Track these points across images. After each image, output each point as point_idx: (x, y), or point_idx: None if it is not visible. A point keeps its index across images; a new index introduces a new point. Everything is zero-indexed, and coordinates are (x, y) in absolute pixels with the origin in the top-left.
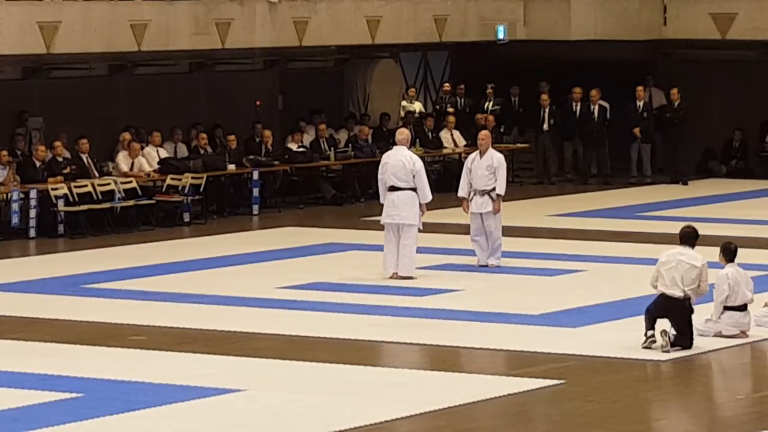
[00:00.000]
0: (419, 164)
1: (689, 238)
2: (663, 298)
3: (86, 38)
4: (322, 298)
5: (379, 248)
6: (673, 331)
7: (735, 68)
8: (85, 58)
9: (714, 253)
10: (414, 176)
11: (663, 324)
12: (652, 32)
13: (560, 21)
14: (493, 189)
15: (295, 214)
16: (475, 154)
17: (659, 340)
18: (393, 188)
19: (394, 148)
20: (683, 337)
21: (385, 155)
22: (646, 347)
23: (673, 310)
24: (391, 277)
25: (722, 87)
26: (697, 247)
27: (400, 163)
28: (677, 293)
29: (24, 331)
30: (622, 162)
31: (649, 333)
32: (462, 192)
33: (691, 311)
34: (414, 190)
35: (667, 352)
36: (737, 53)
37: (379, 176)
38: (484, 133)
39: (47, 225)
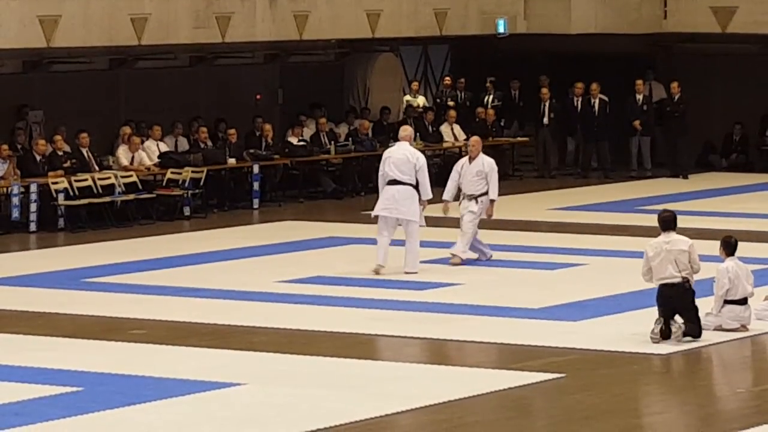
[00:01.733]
0: (422, 160)
1: (670, 222)
2: (664, 287)
3: (86, 32)
4: (323, 292)
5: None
6: (681, 322)
7: (735, 62)
8: (85, 52)
9: (714, 246)
10: (417, 171)
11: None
12: (652, 26)
13: (560, 14)
14: (483, 194)
15: (296, 208)
16: (464, 159)
17: (673, 330)
18: (394, 182)
19: (397, 144)
20: (692, 326)
21: (387, 150)
22: (655, 339)
23: (676, 297)
24: (375, 270)
25: (722, 81)
26: (697, 241)
27: (404, 157)
28: (676, 279)
29: (24, 325)
30: (623, 156)
31: (658, 325)
32: (447, 195)
33: (693, 293)
34: (414, 186)
35: (680, 341)
36: (738, 47)
37: (380, 171)
38: (474, 139)
39: (47, 219)
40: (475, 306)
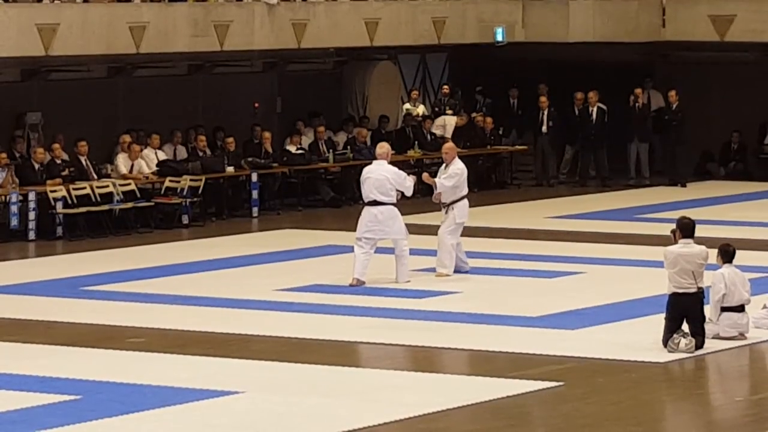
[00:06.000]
0: (403, 174)
1: (689, 229)
2: (678, 296)
3: (85, 40)
4: (321, 301)
5: (376, 251)
6: (686, 330)
7: (733, 70)
8: (83, 60)
9: (713, 255)
10: (398, 184)
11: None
12: (650, 34)
13: (559, 23)
14: (454, 201)
15: (294, 216)
16: (442, 166)
17: (683, 342)
18: (375, 203)
19: (375, 162)
20: (699, 338)
21: (366, 170)
22: (672, 350)
23: (689, 306)
24: (351, 284)
25: (720, 89)
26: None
27: (383, 177)
28: (692, 289)
29: (22, 333)
30: (621, 164)
31: (675, 336)
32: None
33: (703, 302)
34: (395, 204)
35: (691, 351)
36: (735, 55)
37: (362, 189)
38: (448, 146)
39: (46, 227)
40: (472, 314)
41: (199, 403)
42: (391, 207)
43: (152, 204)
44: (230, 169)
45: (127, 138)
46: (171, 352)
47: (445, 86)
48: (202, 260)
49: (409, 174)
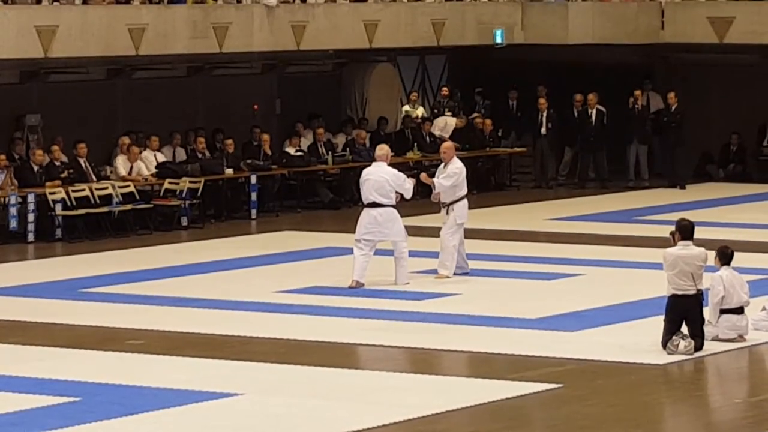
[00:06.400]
0: (402, 176)
1: (688, 231)
2: (677, 297)
3: (84, 42)
4: (320, 302)
5: (375, 253)
6: (685, 332)
7: (732, 72)
8: (82, 62)
9: (711, 257)
10: (398, 186)
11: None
12: (649, 36)
13: (558, 25)
14: (454, 201)
15: (293, 218)
16: (441, 166)
17: (682, 344)
18: (374, 204)
19: (374, 164)
20: (698, 339)
21: (365, 171)
22: (671, 352)
23: (689, 308)
24: (351, 286)
25: (720, 91)
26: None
27: (382, 179)
28: (691, 291)
29: (22, 335)
30: (620, 166)
31: (675, 338)
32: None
33: (702, 304)
34: (395, 206)
35: (690, 353)
36: (735, 57)
37: (361, 191)
38: (446, 145)
39: (45, 229)
40: (472, 316)
41: (199, 405)
42: (391, 209)
43: (151, 206)
44: (229, 171)
45: (126, 140)
46: (170, 354)
47: (445, 88)
48: (202, 262)
49: (408, 176)
